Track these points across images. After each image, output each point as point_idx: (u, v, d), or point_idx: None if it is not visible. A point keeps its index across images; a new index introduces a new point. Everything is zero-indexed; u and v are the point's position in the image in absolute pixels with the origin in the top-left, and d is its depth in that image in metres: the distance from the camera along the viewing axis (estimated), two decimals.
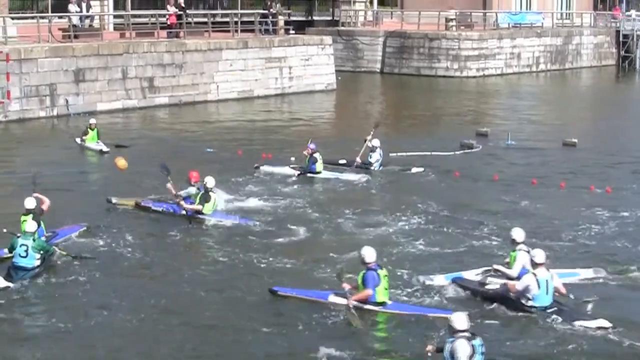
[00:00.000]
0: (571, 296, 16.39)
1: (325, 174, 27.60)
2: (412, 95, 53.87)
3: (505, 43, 63.07)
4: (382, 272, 16.35)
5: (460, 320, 13.12)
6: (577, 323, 15.73)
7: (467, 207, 23.91)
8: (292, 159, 28.63)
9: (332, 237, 21.04)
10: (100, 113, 37.86)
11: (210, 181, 22.80)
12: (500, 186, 26.70)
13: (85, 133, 32.14)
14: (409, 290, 17.38)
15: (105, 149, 31.34)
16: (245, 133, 36.87)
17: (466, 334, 13.06)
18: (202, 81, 45.19)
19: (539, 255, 16.26)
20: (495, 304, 16.59)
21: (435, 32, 61.00)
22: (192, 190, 23.17)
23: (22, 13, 47.54)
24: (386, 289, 16.37)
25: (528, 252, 17.11)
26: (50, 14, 44.03)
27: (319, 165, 27.52)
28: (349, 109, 47.65)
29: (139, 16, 49.04)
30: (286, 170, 27.82)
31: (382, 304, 16.36)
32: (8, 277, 17.78)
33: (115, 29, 48.55)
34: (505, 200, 24.76)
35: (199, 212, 22.48)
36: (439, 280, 17.70)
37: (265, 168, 28.07)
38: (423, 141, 33.11)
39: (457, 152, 31.48)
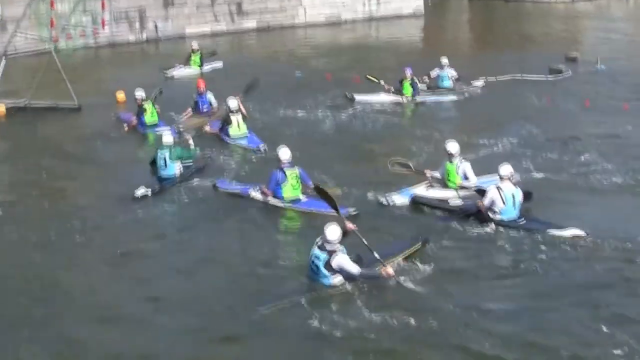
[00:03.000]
0: None
1: (420, 98, 27.74)
2: (500, 20, 53.32)
3: None
4: (291, 171, 17.28)
5: (332, 231, 13.46)
6: (550, 232, 15.52)
7: (562, 132, 23.40)
8: (382, 82, 28.51)
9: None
10: (188, 37, 38.01)
11: (231, 102, 22.21)
12: (592, 111, 26.33)
13: (189, 58, 32.32)
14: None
15: (195, 71, 31.59)
16: (334, 58, 36.77)
17: (334, 246, 13.40)
18: (289, 5, 45.13)
19: (505, 169, 16.28)
20: (462, 219, 16.39)
21: None
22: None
23: None
24: (294, 187, 17.25)
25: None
26: None
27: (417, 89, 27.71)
28: (436, 33, 47.21)
29: None
30: (382, 97, 27.64)
31: (295, 201, 17.28)
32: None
33: None
34: (599, 125, 24.32)
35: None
36: (399, 199, 17.55)
37: (360, 97, 27.42)
38: (512, 65, 32.71)
39: (548, 77, 31.07)
